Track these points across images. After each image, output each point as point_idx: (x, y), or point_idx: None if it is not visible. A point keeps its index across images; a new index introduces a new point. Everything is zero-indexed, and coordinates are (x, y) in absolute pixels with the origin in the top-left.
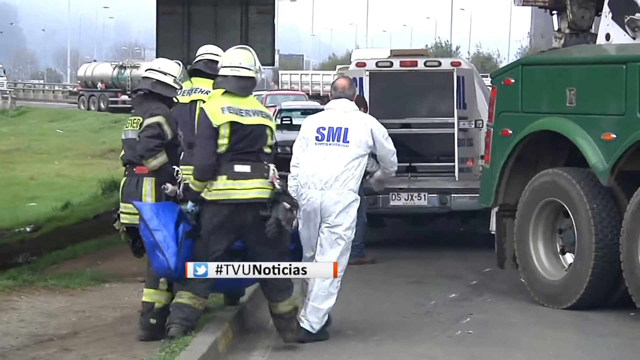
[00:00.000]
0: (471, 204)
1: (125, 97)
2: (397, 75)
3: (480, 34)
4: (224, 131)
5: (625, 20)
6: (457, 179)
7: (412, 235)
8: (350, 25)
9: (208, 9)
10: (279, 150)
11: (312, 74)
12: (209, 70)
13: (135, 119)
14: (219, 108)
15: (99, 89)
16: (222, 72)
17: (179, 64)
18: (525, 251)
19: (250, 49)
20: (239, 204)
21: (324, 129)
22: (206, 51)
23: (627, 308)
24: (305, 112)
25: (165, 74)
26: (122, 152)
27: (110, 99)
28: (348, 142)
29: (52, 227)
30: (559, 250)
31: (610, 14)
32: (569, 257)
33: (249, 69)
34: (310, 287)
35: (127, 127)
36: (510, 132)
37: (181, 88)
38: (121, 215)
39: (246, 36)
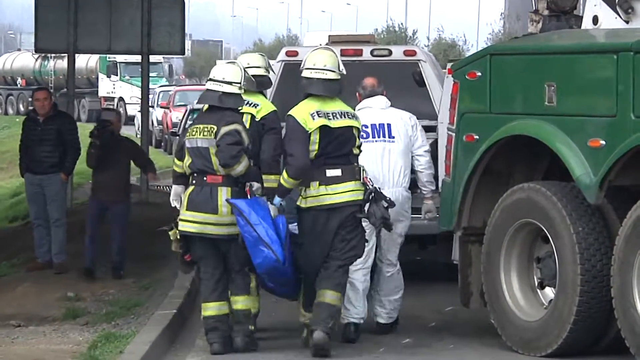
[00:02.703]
0: (429, 227)
1: None
2: None
3: (443, 15)
4: (315, 137)
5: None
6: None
7: None
8: (281, 3)
9: None
10: None
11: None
12: (253, 88)
13: (207, 127)
14: (308, 114)
15: (18, 86)
16: (305, 74)
17: (236, 64)
18: (495, 285)
19: (334, 50)
20: (335, 208)
21: (366, 126)
22: (248, 64)
23: (619, 355)
24: None
25: (230, 83)
26: (189, 161)
27: (31, 99)
28: (394, 137)
29: None
30: (536, 284)
31: None
32: (549, 293)
33: (334, 72)
34: (380, 285)
35: (194, 134)
36: (477, 137)
37: (245, 91)
38: (182, 222)
39: (148, 18)
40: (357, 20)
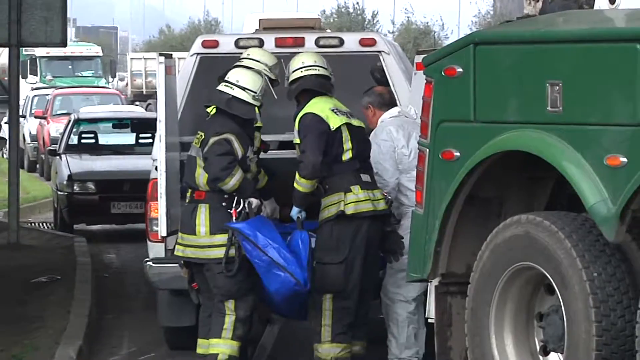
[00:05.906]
0: None
1: None
2: None
3: None
4: (345, 134)
5: None
6: None
7: (303, 325)
8: None
9: None
10: (75, 188)
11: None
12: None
13: (199, 134)
14: (329, 109)
15: None
16: (295, 75)
17: (261, 76)
18: (484, 350)
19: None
20: (377, 217)
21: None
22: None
23: None
24: (120, 125)
25: (244, 89)
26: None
27: None
28: None
29: None
30: (538, 349)
31: None
32: (555, 359)
33: (325, 69)
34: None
35: (195, 141)
36: (457, 154)
37: (261, 105)
38: (176, 245)
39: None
40: (297, 0)
